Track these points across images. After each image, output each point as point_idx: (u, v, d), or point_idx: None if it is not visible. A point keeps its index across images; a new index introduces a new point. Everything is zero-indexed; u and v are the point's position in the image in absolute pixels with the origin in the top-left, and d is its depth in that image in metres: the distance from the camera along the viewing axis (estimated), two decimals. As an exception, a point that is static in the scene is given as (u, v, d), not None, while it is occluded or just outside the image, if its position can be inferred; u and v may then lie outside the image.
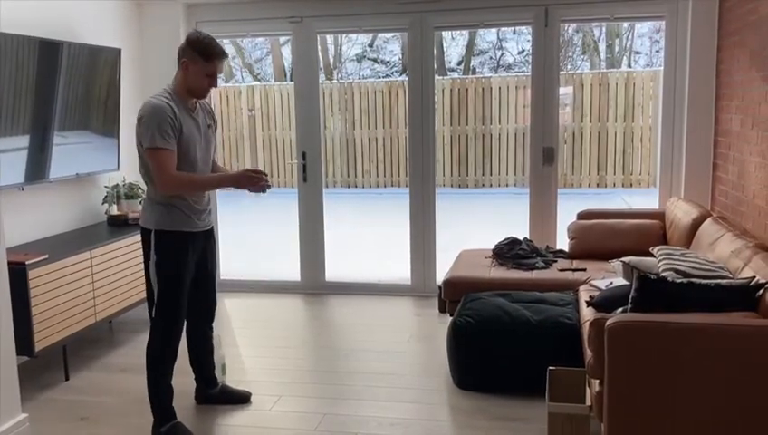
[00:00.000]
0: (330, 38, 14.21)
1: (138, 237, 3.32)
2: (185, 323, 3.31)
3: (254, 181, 3.09)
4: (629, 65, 13.82)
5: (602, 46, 14.43)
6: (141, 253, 3.19)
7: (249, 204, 10.68)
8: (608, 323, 2.55)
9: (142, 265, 3.25)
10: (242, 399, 3.60)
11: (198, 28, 5.38)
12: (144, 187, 3.26)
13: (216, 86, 3.12)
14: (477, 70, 14.34)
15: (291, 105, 10.68)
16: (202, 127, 3.18)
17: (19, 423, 3.10)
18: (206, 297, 3.42)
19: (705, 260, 3.29)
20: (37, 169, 4.16)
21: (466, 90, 11.23)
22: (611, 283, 3.73)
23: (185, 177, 3.04)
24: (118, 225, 4.72)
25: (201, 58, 2.99)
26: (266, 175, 3.13)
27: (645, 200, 8.89)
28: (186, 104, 3.09)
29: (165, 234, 3.09)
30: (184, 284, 3.17)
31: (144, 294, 4.32)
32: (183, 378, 3.61)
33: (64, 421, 3.43)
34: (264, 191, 3.12)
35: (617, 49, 14.31)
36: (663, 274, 3.11)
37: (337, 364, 4.13)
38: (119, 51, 4.81)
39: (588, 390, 3.05)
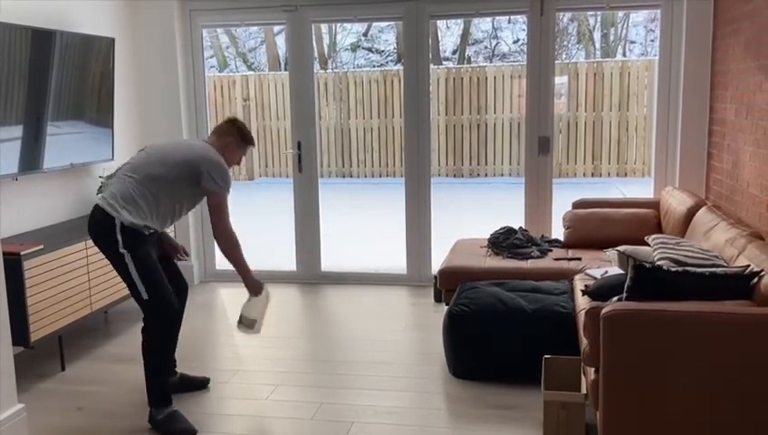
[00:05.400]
0: (324, 27, 14.16)
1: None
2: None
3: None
4: (624, 54, 13.82)
5: (597, 35, 14.42)
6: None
7: (242, 194, 10.66)
8: (603, 311, 2.56)
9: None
10: (201, 385, 3.64)
11: (193, 17, 5.39)
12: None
13: (238, 164, 3.54)
14: (472, 59, 14.31)
15: (285, 95, 10.63)
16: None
17: (16, 413, 3.10)
18: (175, 282, 3.47)
19: (700, 249, 3.30)
20: (31, 159, 4.14)
21: (461, 79, 11.21)
22: (606, 272, 3.75)
23: (234, 237, 3.51)
24: (113, 215, 4.70)
25: (243, 143, 3.47)
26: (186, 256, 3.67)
27: (640, 189, 8.91)
28: None
29: (126, 227, 3.20)
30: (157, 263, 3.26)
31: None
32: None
33: (61, 411, 3.44)
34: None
35: (612, 38, 14.30)
36: (658, 262, 3.13)
37: (333, 354, 4.14)
38: (112, 40, 4.78)
39: (583, 378, 3.07)
